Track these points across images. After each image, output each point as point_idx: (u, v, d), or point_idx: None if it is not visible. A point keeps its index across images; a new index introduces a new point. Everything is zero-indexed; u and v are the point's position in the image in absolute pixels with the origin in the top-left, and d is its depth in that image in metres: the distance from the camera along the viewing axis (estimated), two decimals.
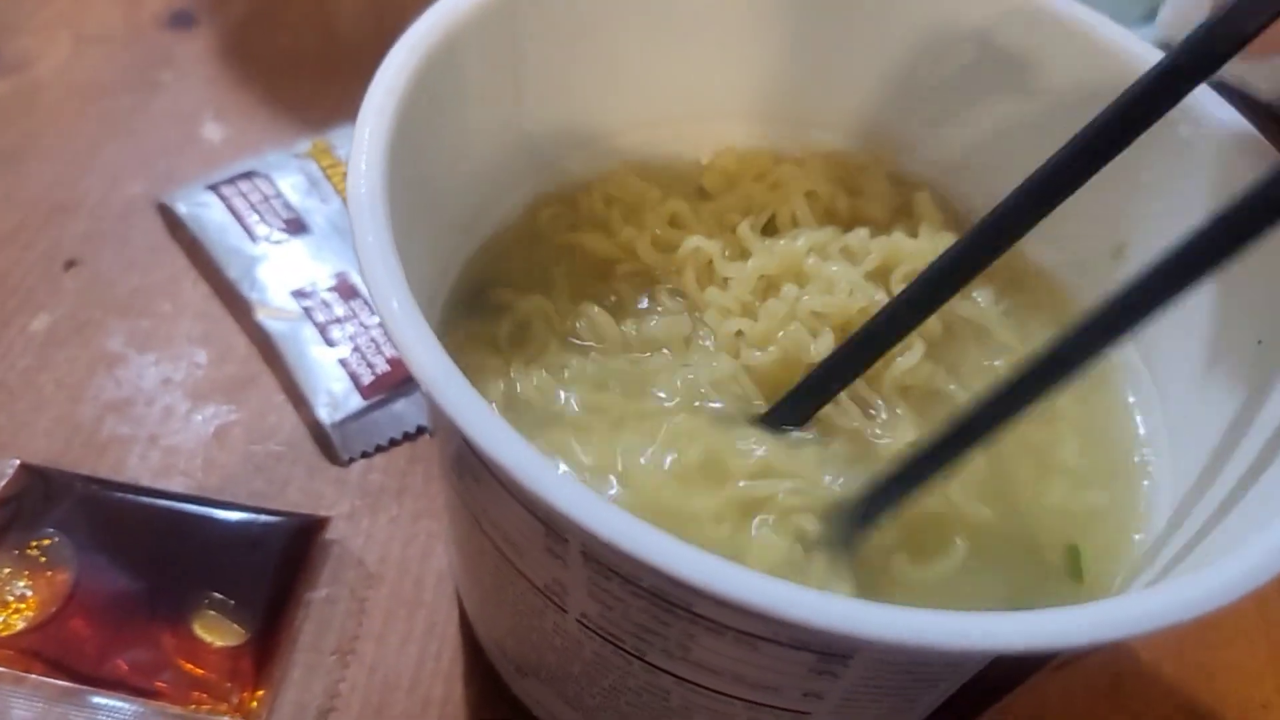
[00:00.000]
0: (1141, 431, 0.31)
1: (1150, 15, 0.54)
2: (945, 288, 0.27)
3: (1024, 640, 0.19)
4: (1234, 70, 0.48)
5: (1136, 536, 0.29)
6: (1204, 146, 0.29)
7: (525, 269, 0.32)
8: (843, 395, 0.28)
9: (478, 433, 0.20)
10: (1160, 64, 0.26)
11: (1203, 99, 0.29)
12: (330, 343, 0.39)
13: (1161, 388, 0.31)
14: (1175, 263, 0.22)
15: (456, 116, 0.29)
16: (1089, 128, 0.26)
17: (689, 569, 0.19)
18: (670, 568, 0.19)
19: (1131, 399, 0.32)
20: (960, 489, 0.28)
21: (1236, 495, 0.25)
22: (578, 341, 0.30)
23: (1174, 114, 0.29)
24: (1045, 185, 0.27)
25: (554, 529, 0.22)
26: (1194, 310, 0.29)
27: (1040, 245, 0.34)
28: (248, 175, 0.44)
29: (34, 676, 0.31)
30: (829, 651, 0.21)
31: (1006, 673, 0.23)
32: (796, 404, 0.28)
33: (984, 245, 0.27)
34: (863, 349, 0.27)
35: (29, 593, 0.32)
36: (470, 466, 0.23)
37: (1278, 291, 0.27)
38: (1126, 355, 0.32)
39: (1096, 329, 0.23)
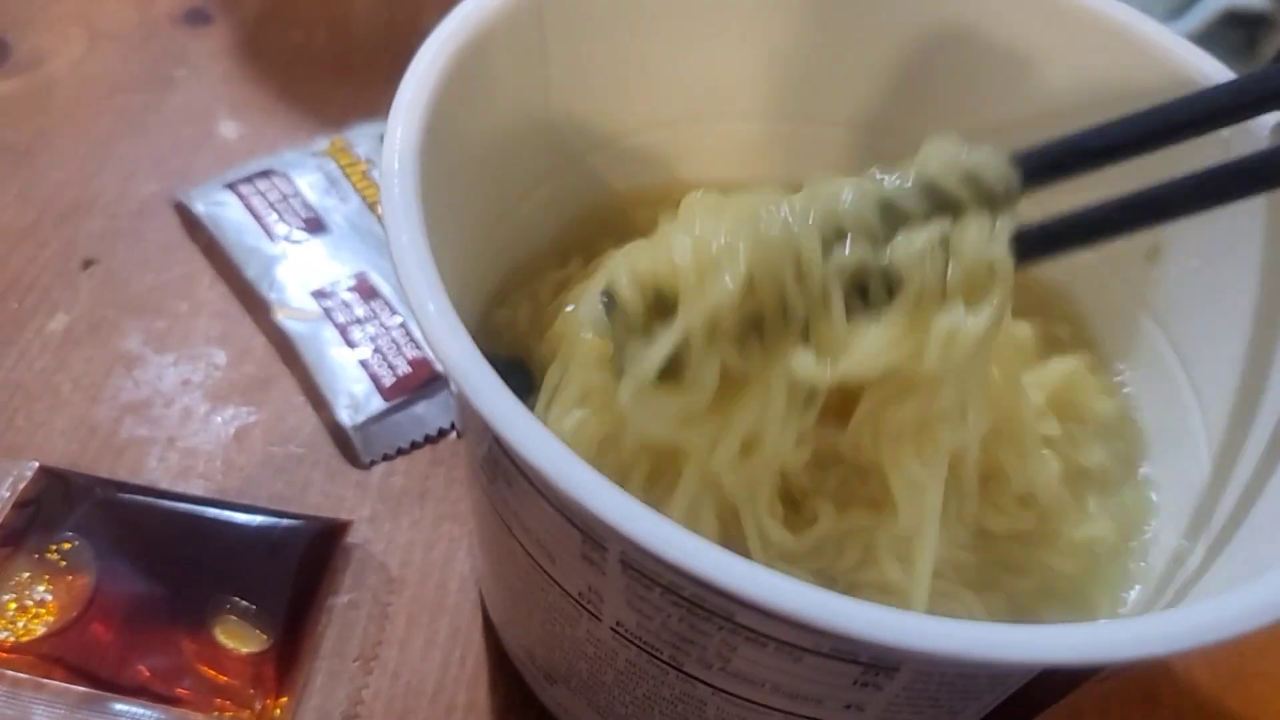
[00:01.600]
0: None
1: (1174, 14, 0.54)
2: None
3: (1073, 653, 0.19)
4: None
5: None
6: (1243, 147, 0.28)
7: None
8: None
9: (515, 436, 0.19)
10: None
11: None
12: (351, 344, 0.38)
13: (1199, 390, 0.30)
14: None
15: (485, 114, 0.29)
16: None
17: (737, 580, 0.18)
18: (717, 578, 0.18)
19: (1163, 405, 0.31)
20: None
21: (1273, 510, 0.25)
22: None
23: None
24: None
25: (592, 536, 0.21)
26: (1229, 312, 0.29)
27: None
28: (265, 174, 0.43)
29: (54, 683, 0.30)
30: (876, 663, 0.20)
31: (1052, 686, 0.22)
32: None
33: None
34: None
35: (49, 597, 0.32)
36: (503, 470, 0.23)
37: None
38: (1160, 352, 0.31)
39: None
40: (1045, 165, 0.25)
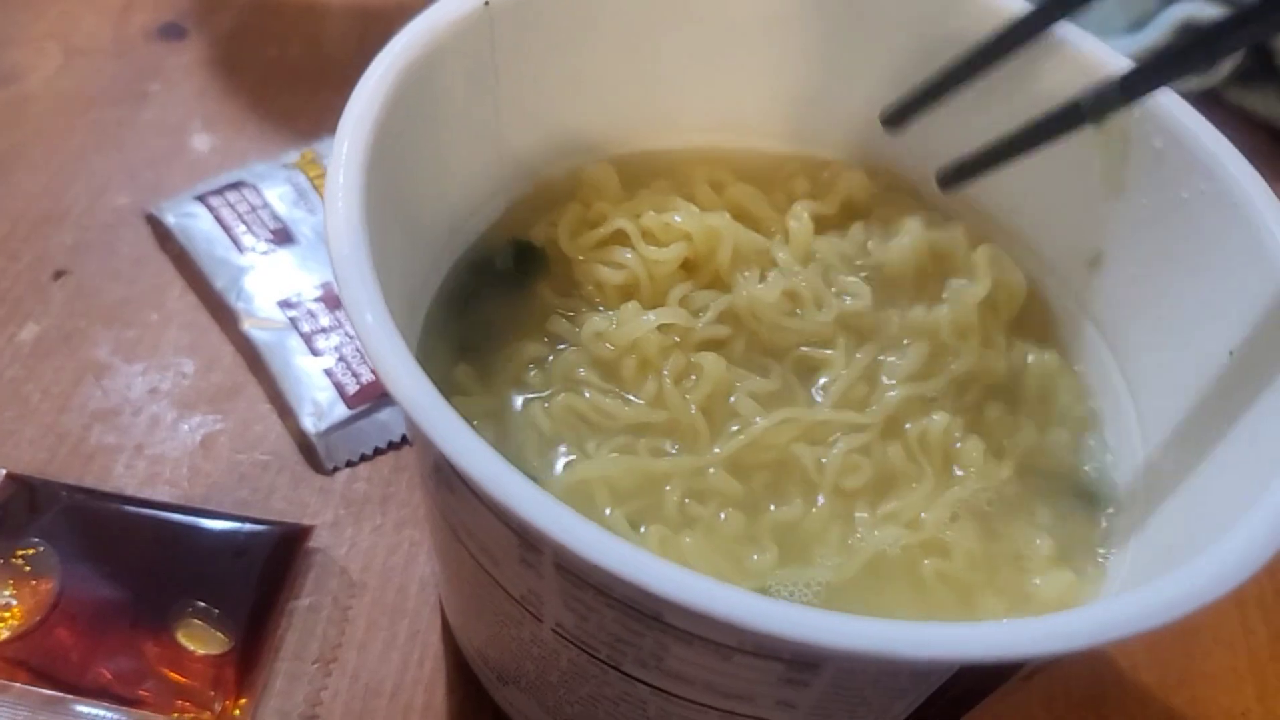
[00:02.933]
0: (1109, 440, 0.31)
1: (1134, 26, 0.55)
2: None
3: (985, 650, 0.19)
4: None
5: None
6: (1176, 157, 0.29)
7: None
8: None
9: (450, 446, 0.20)
10: None
11: (1174, 110, 0.29)
12: (315, 352, 0.39)
13: (1135, 394, 0.31)
14: None
15: (436, 128, 0.29)
16: None
17: (656, 580, 0.19)
18: (637, 579, 0.19)
19: (1098, 405, 0.32)
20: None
21: (1203, 507, 0.26)
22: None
23: (1148, 126, 0.29)
24: None
25: (527, 540, 0.22)
26: (1167, 318, 0.30)
27: (1020, 251, 0.35)
28: (235, 186, 0.44)
29: (18, 685, 0.31)
30: (798, 660, 0.21)
31: (974, 683, 0.23)
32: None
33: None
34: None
35: (14, 602, 0.32)
36: (446, 478, 0.24)
37: (1247, 307, 0.27)
38: (1102, 358, 0.32)
39: None
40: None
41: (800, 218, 0.33)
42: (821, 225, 0.34)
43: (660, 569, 0.19)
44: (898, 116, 0.34)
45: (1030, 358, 0.32)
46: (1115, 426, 0.31)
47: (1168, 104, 0.29)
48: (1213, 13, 0.52)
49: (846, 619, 0.19)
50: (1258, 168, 0.28)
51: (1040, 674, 0.24)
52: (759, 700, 0.23)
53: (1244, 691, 0.36)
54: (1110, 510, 0.30)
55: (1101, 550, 0.29)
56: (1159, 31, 0.53)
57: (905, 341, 0.31)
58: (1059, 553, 0.29)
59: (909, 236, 0.33)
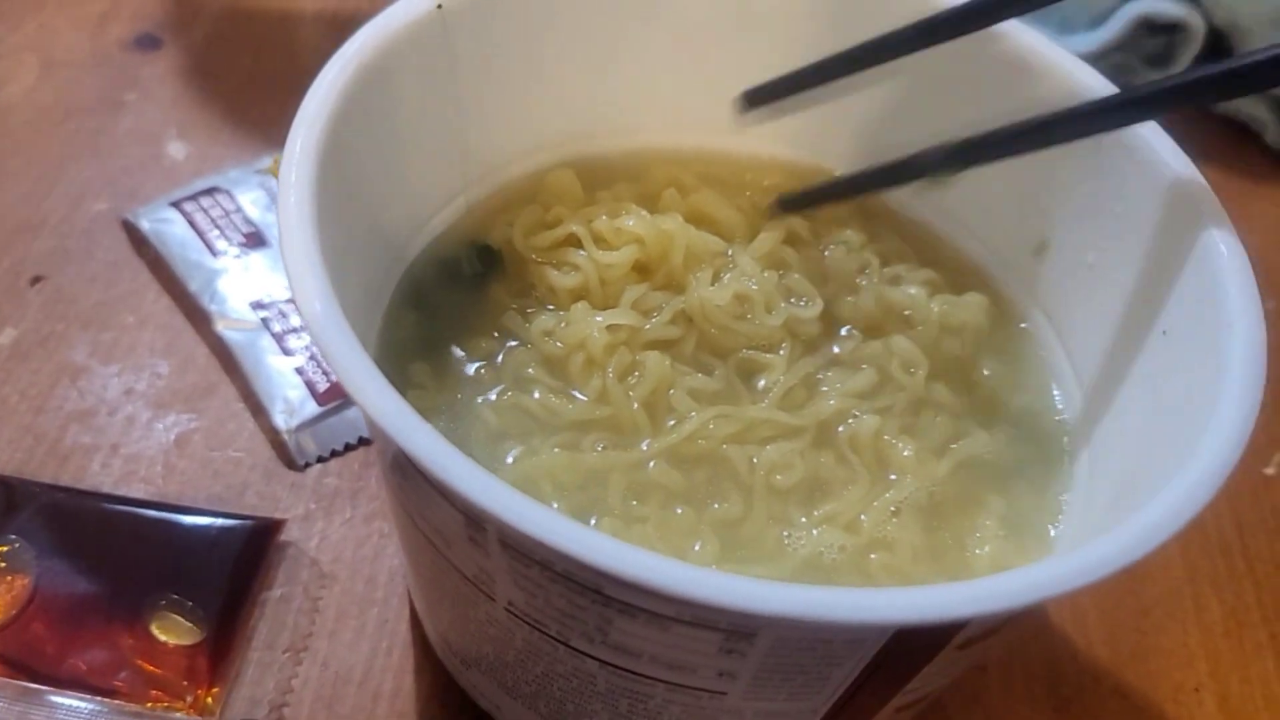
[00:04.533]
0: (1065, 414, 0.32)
1: (1096, 23, 0.56)
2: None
3: (919, 613, 0.20)
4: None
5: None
6: (1115, 148, 0.30)
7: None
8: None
9: (392, 426, 0.21)
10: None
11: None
12: (287, 352, 0.40)
13: (1079, 373, 0.32)
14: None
15: (394, 127, 0.30)
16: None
17: (588, 550, 0.20)
18: (570, 549, 0.20)
19: (1054, 388, 0.33)
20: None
21: (1135, 477, 0.26)
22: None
23: None
24: None
25: (471, 518, 0.23)
26: (1107, 302, 0.30)
27: (969, 241, 0.36)
28: (209, 191, 0.45)
29: None
30: (734, 630, 0.22)
31: (909, 650, 0.24)
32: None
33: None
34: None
35: None
36: (400, 464, 0.25)
37: (1181, 289, 0.28)
38: (1049, 343, 0.33)
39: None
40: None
41: (774, 228, 0.34)
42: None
43: (594, 540, 0.20)
44: (758, 98, 0.34)
45: (986, 371, 0.33)
46: (1066, 407, 0.32)
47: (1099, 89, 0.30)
48: (1170, 10, 0.53)
49: (777, 586, 0.20)
50: (1218, 161, 0.29)
51: (978, 643, 0.25)
52: (700, 671, 0.24)
53: (1196, 667, 0.36)
54: (1060, 491, 0.31)
55: (1052, 528, 0.30)
56: (1119, 27, 0.54)
57: (858, 365, 0.32)
58: (1006, 530, 0.30)
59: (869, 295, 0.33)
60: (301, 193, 0.25)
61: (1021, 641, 0.36)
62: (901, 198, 0.36)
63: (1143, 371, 0.29)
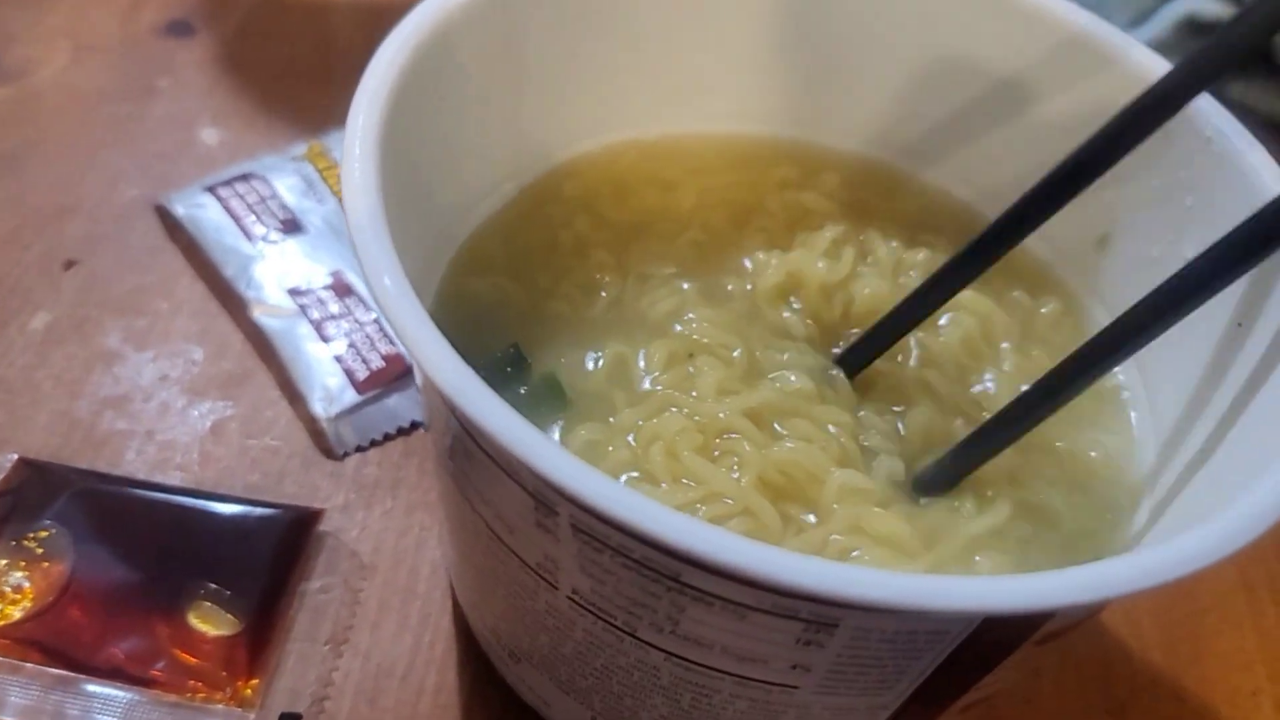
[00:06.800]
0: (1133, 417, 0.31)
1: (1136, 21, 0.55)
2: (958, 280, 0.29)
3: (1011, 601, 0.19)
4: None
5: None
6: (1184, 138, 0.29)
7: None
8: None
9: (465, 400, 0.20)
10: (1167, 77, 0.27)
11: None
12: (325, 339, 0.39)
13: (1144, 370, 0.31)
14: (1183, 283, 0.24)
15: (452, 108, 0.29)
16: (1098, 135, 0.27)
17: (677, 534, 0.19)
18: (659, 533, 0.19)
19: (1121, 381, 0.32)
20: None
21: (1213, 470, 0.26)
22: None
23: None
24: (1053, 188, 0.28)
25: (543, 501, 0.22)
26: None
27: (1031, 239, 0.35)
28: (244, 177, 0.44)
29: (30, 665, 0.31)
30: (816, 620, 0.21)
31: (991, 642, 0.23)
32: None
33: (997, 241, 0.29)
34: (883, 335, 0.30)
35: (26, 583, 0.32)
36: (463, 445, 0.24)
37: (1258, 279, 0.27)
38: None
39: (1110, 344, 0.25)
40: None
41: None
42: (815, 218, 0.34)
43: (682, 523, 0.19)
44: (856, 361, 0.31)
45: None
46: (1135, 410, 0.31)
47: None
48: (1215, 9, 0.52)
49: (870, 571, 0.19)
50: None
51: (1053, 640, 0.24)
52: (773, 663, 0.23)
53: (1255, 671, 0.36)
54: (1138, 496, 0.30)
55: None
56: (1162, 26, 0.53)
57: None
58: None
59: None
60: (365, 165, 0.24)
61: (1075, 644, 0.36)
62: (964, 196, 0.36)
63: (1215, 362, 0.28)
